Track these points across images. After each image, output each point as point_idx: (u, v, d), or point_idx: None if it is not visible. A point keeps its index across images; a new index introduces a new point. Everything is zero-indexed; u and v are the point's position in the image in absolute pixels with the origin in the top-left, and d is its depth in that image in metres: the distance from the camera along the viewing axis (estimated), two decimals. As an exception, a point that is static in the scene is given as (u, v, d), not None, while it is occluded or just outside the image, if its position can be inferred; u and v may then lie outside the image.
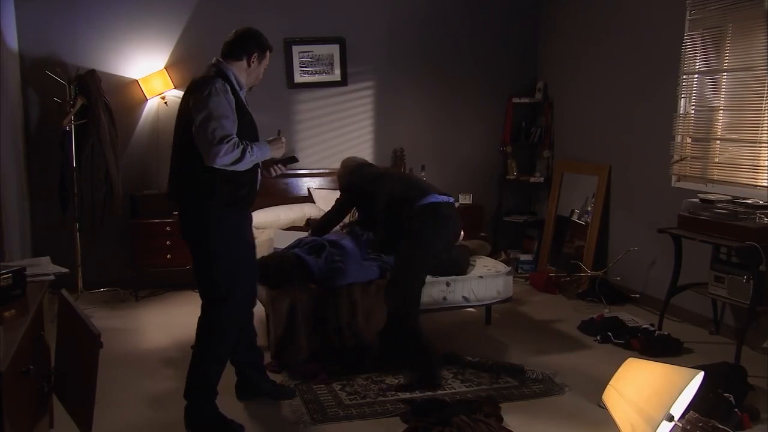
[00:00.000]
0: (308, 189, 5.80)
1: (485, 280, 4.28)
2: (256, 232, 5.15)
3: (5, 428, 1.79)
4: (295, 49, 5.70)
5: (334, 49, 5.78)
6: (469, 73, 6.17)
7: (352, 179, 4.10)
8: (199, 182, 2.91)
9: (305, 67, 5.75)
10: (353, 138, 5.97)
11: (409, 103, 6.08)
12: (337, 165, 5.86)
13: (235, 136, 2.85)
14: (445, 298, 4.20)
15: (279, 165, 3.20)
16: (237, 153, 2.82)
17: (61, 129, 4.92)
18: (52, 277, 2.76)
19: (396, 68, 5.99)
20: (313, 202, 5.62)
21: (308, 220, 5.32)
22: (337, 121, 5.91)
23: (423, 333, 3.59)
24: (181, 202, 3.04)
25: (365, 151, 5.97)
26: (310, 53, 5.75)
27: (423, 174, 5.96)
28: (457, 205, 5.95)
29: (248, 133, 2.97)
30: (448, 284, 4.18)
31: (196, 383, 3.08)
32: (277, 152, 3.10)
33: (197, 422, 3.08)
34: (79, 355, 2.51)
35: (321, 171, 5.87)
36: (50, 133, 5.10)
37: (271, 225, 5.25)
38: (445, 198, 3.77)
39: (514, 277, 4.61)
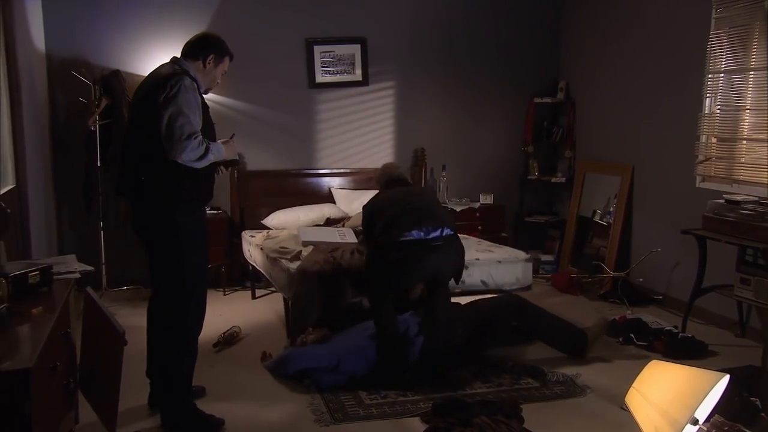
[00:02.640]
0: (329, 189, 5.81)
1: (504, 264, 4.24)
2: (275, 232, 5.20)
3: (33, 423, 1.82)
4: (317, 49, 5.72)
5: (356, 49, 5.79)
6: (491, 72, 6.14)
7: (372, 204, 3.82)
8: (165, 177, 2.91)
9: (326, 66, 5.76)
10: (374, 138, 5.98)
11: (431, 103, 6.07)
12: (357, 165, 5.94)
13: (199, 133, 2.89)
14: (463, 281, 3.97)
15: (221, 167, 3.23)
16: (201, 150, 2.88)
17: (87, 129, 5.00)
18: (77, 275, 2.80)
19: (417, 68, 5.98)
20: (334, 202, 5.63)
21: (327, 219, 5.33)
22: (358, 120, 5.92)
23: (388, 332, 3.56)
24: (140, 198, 3.02)
25: (386, 151, 5.97)
26: (331, 53, 5.76)
27: (444, 174, 5.95)
28: (477, 205, 6.00)
29: (208, 132, 3.02)
30: (466, 267, 3.96)
31: (170, 383, 3.09)
32: (229, 154, 3.14)
33: (176, 422, 3.07)
34: (104, 352, 2.55)
35: (342, 171, 5.89)
36: (76, 132, 5.17)
37: (291, 226, 5.26)
38: (420, 234, 3.46)
39: (535, 278, 4.58)
